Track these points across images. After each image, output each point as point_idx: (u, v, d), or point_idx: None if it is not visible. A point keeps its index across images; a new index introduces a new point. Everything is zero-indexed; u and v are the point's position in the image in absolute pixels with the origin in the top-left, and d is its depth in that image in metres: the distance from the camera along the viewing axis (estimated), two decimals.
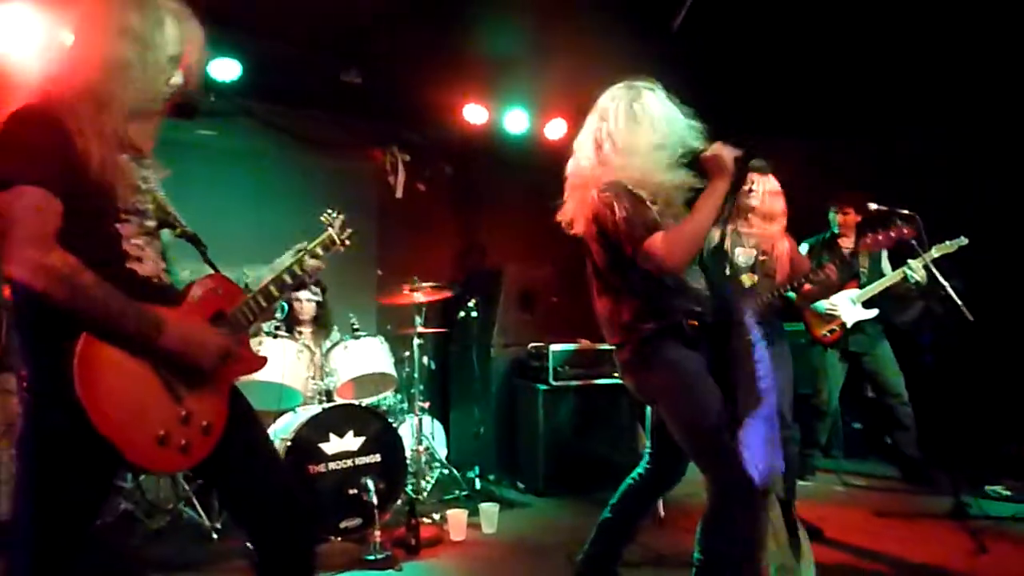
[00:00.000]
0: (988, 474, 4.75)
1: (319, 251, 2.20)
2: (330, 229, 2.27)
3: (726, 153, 2.34)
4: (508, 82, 5.91)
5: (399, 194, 6.23)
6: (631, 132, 2.47)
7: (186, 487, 4.09)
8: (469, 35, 5.27)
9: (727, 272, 3.12)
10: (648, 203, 2.39)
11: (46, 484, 1.65)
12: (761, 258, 3.61)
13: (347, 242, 2.30)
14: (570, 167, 2.66)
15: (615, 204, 2.36)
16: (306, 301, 4.65)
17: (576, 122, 6.79)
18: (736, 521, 2.26)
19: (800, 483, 5.07)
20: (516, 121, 6.24)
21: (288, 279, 2.10)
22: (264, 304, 2.05)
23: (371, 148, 6.23)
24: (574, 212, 2.58)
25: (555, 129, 6.36)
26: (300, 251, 2.18)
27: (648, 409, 2.78)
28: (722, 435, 2.29)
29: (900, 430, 4.97)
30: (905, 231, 3.67)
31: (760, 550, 2.28)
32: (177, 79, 1.88)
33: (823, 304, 4.91)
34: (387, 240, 6.17)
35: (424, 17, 4.99)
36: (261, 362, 2.07)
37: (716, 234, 2.54)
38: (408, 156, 6.26)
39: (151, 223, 1.88)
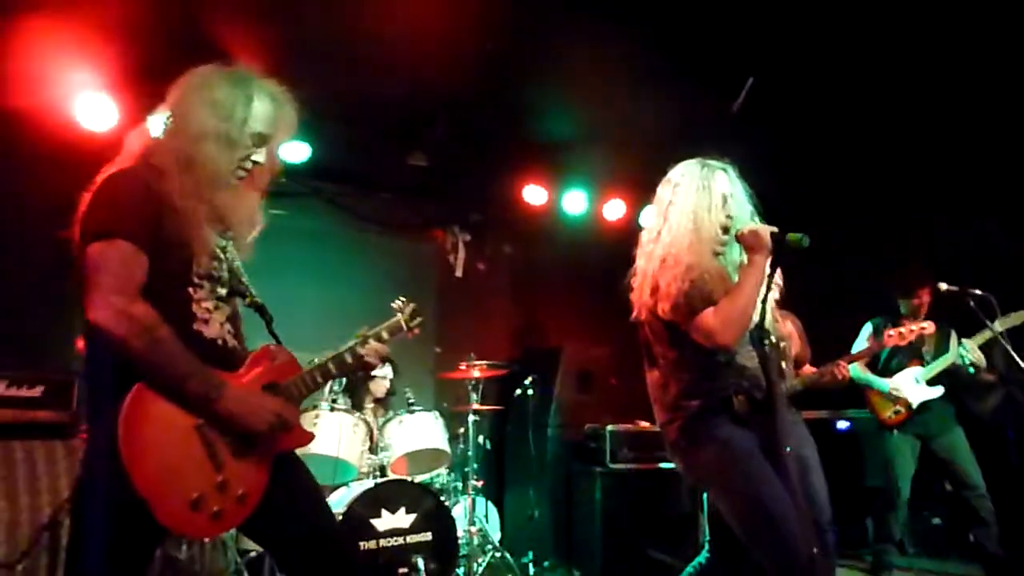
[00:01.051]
0: None
1: (385, 335, 2.23)
2: (400, 315, 2.31)
3: (762, 230, 2.33)
4: (568, 164, 6.05)
5: (459, 273, 6.34)
6: (697, 208, 2.46)
7: (238, 560, 4.07)
8: (531, 119, 5.44)
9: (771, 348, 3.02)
10: (706, 279, 2.36)
11: (95, 537, 1.66)
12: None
13: (415, 329, 2.34)
14: (641, 239, 2.66)
15: (677, 277, 2.35)
16: (381, 379, 4.73)
17: (635, 203, 6.90)
18: None
19: None
20: (575, 202, 6.33)
21: (348, 359, 2.12)
22: (320, 380, 2.07)
23: (433, 228, 6.39)
24: (639, 283, 2.58)
25: (613, 210, 6.44)
26: (365, 334, 2.20)
27: (705, 495, 2.67)
28: (777, 515, 2.17)
29: (980, 525, 4.63)
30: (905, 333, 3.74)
31: None
32: (259, 156, 1.96)
33: (886, 384, 4.72)
34: (446, 318, 6.23)
35: (486, 101, 5.17)
36: (308, 437, 2.07)
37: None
38: (469, 236, 6.39)
39: (223, 290, 1.95)
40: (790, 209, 2.69)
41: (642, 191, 6.28)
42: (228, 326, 1.94)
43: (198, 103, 1.88)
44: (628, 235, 6.90)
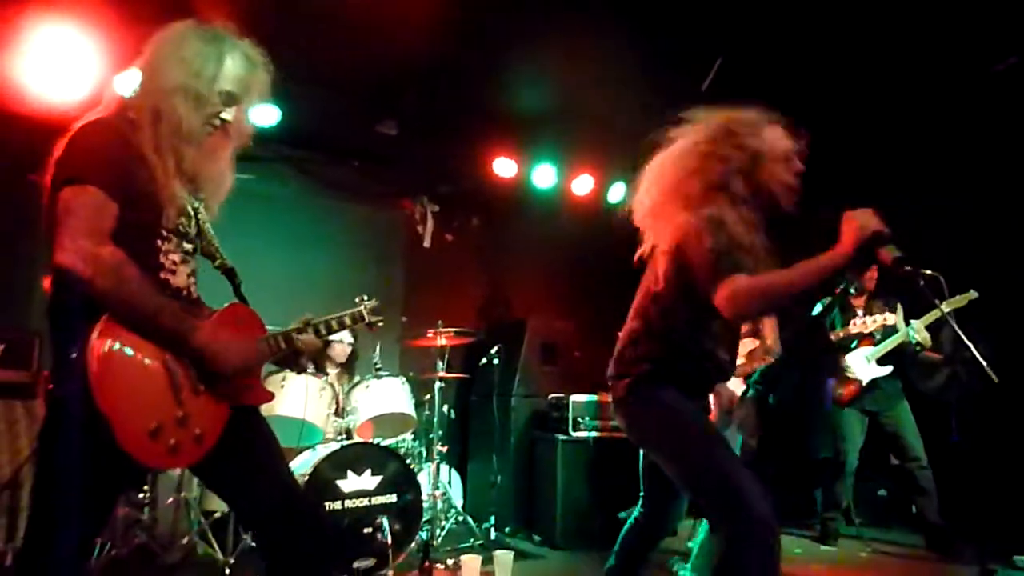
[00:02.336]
0: (1016, 544, 4.61)
1: (347, 321, 2.32)
2: (363, 307, 2.40)
3: (874, 224, 2.03)
4: (538, 138, 6.08)
5: (427, 243, 6.38)
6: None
7: (202, 520, 4.11)
8: (501, 91, 5.45)
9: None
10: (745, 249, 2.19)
11: (57, 459, 1.70)
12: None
13: (376, 326, 2.45)
14: (653, 185, 2.48)
15: (711, 233, 2.17)
16: (339, 343, 4.76)
17: (603, 179, 6.94)
18: (752, 566, 2.09)
19: (823, 548, 4.98)
20: (544, 176, 6.38)
21: (318, 329, 2.18)
22: (283, 345, 2.10)
23: (402, 198, 6.40)
24: (657, 234, 2.41)
25: (582, 185, 6.51)
26: (309, 321, 2.21)
27: (641, 452, 2.69)
28: (729, 470, 2.17)
29: (920, 495, 4.87)
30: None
31: None
32: (227, 115, 1.97)
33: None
34: (413, 288, 6.28)
35: (458, 73, 5.18)
36: (269, 395, 2.12)
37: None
38: (437, 207, 6.42)
39: (189, 246, 1.99)
40: None
41: (611, 168, 6.45)
42: (192, 280, 1.99)
43: (169, 59, 1.90)
44: (596, 211, 6.96)
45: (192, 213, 2.01)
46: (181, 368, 1.82)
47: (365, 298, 2.44)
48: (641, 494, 2.76)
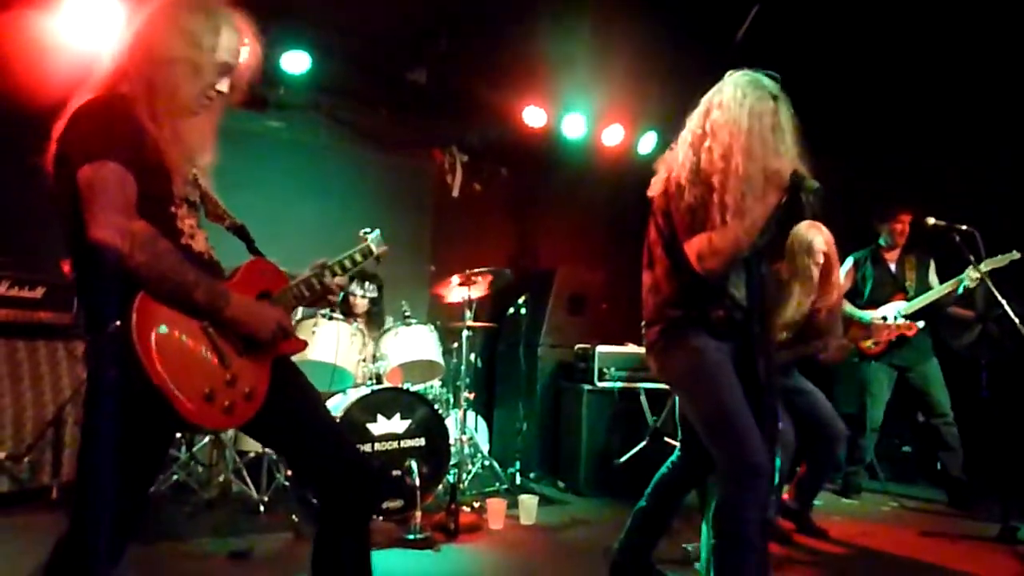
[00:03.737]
0: None
1: (358, 258, 2.33)
2: (368, 241, 2.39)
3: (784, 169, 2.31)
4: (568, 86, 6.00)
5: (455, 193, 6.38)
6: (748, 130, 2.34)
7: (236, 460, 4.25)
8: (531, 39, 5.38)
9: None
10: (722, 200, 2.30)
11: (108, 436, 1.75)
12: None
13: (382, 255, 2.43)
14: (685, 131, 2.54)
15: (688, 189, 2.36)
16: (360, 297, 4.84)
17: (633, 129, 6.86)
18: (747, 504, 2.28)
19: (845, 501, 5.02)
20: (574, 125, 6.32)
21: (316, 283, 2.19)
22: (306, 293, 2.15)
23: (431, 147, 6.39)
24: (661, 180, 2.52)
25: (612, 135, 6.44)
26: (326, 264, 2.25)
27: (676, 399, 2.81)
28: (736, 419, 2.32)
29: (945, 451, 4.88)
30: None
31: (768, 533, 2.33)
32: (222, 86, 1.98)
33: (868, 315, 4.88)
34: (441, 237, 6.31)
35: (488, 20, 5.12)
36: (302, 344, 2.16)
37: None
38: (466, 156, 6.40)
39: (198, 213, 2.03)
40: None
41: (642, 118, 6.36)
42: (209, 244, 2.02)
43: (168, 29, 1.89)
44: (626, 161, 6.89)
45: (193, 179, 2.03)
46: (221, 333, 1.87)
47: (367, 230, 2.43)
48: (679, 440, 2.84)
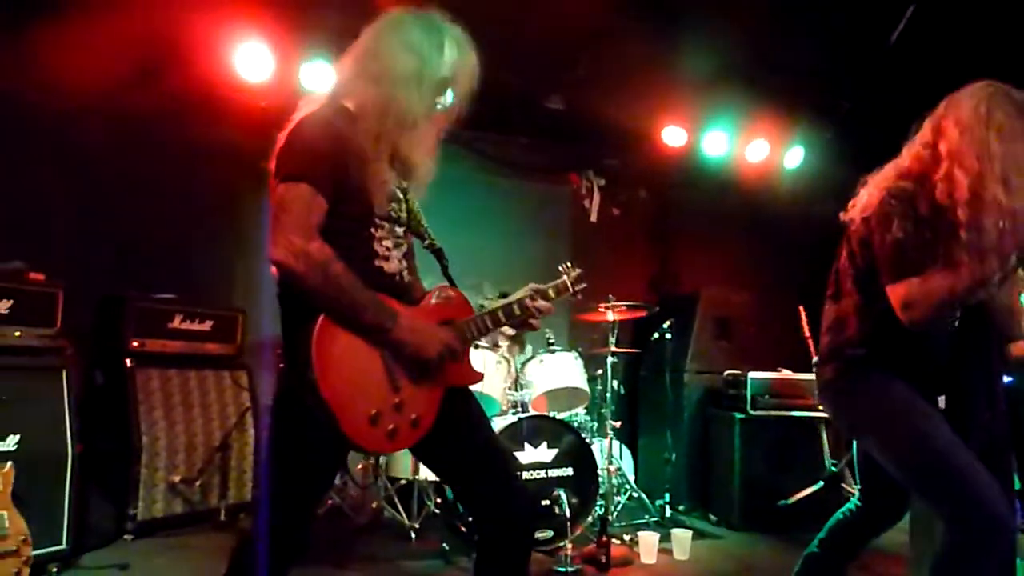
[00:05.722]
0: None
1: (551, 293, 2.27)
2: (565, 277, 2.34)
3: None
4: (709, 103, 5.83)
5: (593, 218, 6.33)
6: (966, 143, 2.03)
7: (388, 486, 4.33)
8: (670, 57, 5.26)
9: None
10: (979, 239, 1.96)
11: (287, 443, 1.85)
12: None
13: (580, 294, 2.38)
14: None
15: (895, 220, 2.03)
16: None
17: (779, 144, 6.57)
18: (979, 570, 1.94)
19: None
20: (716, 143, 6.12)
21: (517, 310, 2.18)
22: (491, 325, 2.13)
23: (568, 172, 6.37)
24: (864, 202, 2.21)
25: (757, 151, 6.17)
26: (536, 289, 2.24)
27: (854, 443, 2.55)
28: (955, 461, 1.99)
29: None
30: None
31: None
32: (446, 100, 2.01)
33: None
34: (581, 263, 6.14)
35: (625, 39, 5.05)
36: (478, 376, 2.15)
37: None
38: (603, 180, 6.35)
39: (401, 230, 2.04)
40: None
41: (788, 131, 6.07)
42: (405, 263, 2.04)
43: (397, 47, 1.93)
44: (771, 177, 6.60)
45: (402, 196, 2.06)
46: (395, 357, 1.88)
47: (569, 265, 2.39)
48: (857, 487, 2.57)
